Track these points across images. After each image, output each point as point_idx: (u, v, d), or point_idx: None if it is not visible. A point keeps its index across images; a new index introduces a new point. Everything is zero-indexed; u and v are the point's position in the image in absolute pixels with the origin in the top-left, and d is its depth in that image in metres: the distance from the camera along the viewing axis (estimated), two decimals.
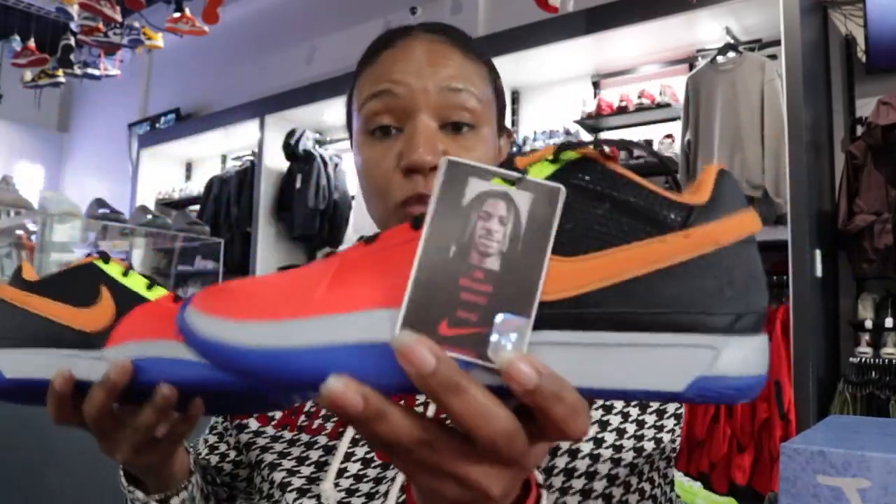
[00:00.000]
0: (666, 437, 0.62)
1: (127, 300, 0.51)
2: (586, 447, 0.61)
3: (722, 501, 2.07)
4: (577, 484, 0.60)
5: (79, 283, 0.53)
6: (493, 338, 0.28)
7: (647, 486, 0.62)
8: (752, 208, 0.31)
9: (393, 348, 0.28)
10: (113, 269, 0.54)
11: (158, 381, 0.42)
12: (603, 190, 0.30)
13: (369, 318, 0.30)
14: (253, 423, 0.67)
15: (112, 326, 0.48)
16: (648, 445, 0.61)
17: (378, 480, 0.60)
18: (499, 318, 0.29)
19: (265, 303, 0.32)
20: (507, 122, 0.75)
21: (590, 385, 0.29)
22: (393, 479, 0.60)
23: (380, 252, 0.32)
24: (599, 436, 0.61)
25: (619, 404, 0.63)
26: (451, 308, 0.29)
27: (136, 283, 0.54)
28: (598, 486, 0.60)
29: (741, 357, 0.29)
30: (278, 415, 0.67)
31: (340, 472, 0.61)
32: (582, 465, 0.60)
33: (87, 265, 0.54)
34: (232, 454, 0.74)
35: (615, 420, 0.62)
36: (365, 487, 0.60)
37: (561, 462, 0.60)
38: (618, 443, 0.61)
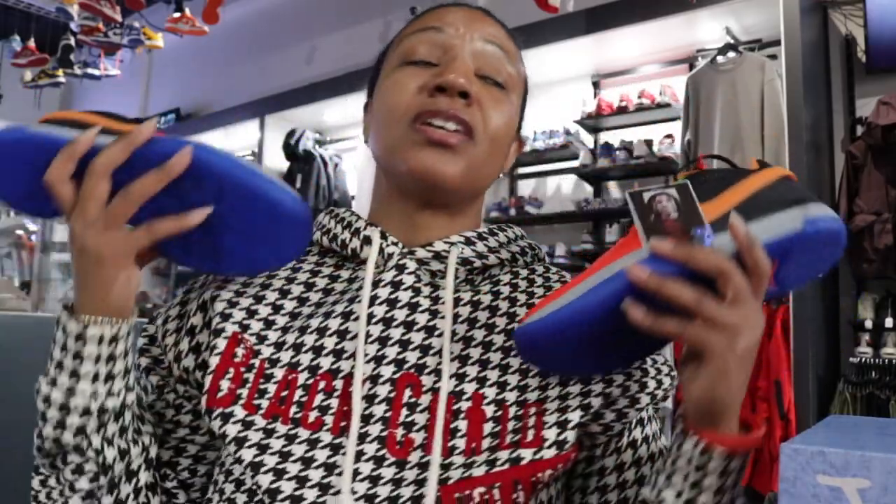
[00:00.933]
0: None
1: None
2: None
3: None
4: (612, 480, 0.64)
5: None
6: (696, 235, 0.52)
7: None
8: (776, 165, 0.60)
9: (654, 249, 0.51)
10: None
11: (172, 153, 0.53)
12: (705, 178, 0.57)
13: (631, 255, 0.53)
14: (239, 411, 0.58)
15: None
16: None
17: (397, 482, 0.56)
18: (694, 230, 0.52)
19: (576, 281, 0.56)
20: None
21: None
22: (417, 482, 0.55)
23: (620, 244, 0.57)
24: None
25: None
26: (664, 234, 0.52)
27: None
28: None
29: (820, 210, 0.55)
30: (265, 404, 0.58)
31: (354, 475, 0.56)
32: (627, 456, 0.64)
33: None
34: (191, 449, 0.66)
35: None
36: (384, 491, 0.55)
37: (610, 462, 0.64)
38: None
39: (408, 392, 0.59)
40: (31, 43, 5.13)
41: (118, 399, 0.58)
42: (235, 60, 5.49)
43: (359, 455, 0.56)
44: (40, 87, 5.32)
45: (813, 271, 0.59)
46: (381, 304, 0.62)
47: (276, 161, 4.55)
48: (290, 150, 4.40)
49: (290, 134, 4.41)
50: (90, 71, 5.19)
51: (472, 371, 0.60)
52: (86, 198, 0.53)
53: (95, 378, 0.56)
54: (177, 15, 4.38)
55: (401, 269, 0.64)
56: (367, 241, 0.66)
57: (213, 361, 0.61)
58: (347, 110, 4.27)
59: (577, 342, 0.54)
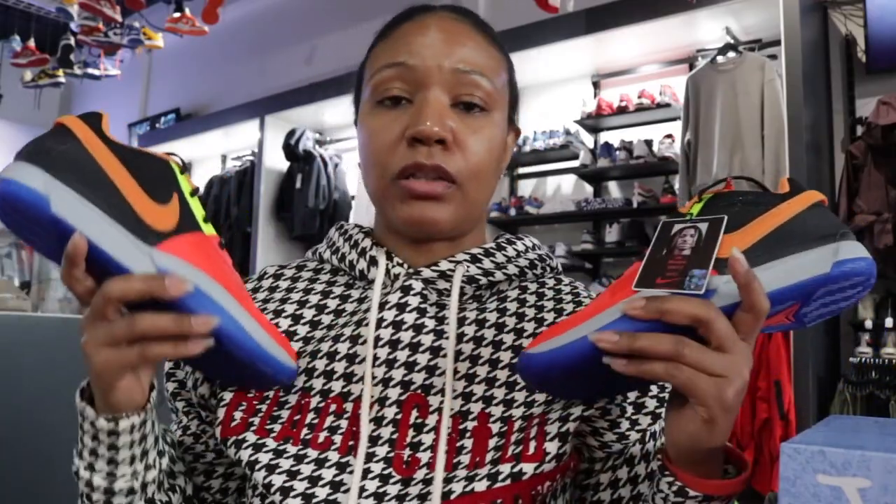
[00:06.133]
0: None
1: (187, 219, 0.54)
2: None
3: None
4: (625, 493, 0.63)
5: (155, 175, 0.54)
6: (687, 280, 0.48)
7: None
8: (808, 190, 0.54)
9: (625, 313, 0.48)
10: (184, 183, 0.56)
11: (195, 311, 0.50)
12: (733, 200, 0.53)
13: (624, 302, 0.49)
14: (250, 436, 0.60)
15: (170, 234, 0.52)
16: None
17: (401, 498, 0.56)
18: (691, 272, 0.48)
19: (576, 319, 0.52)
20: None
21: (775, 287, 0.48)
22: (420, 497, 0.56)
23: (628, 275, 0.53)
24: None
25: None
26: (663, 272, 0.49)
27: (196, 208, 0.56)
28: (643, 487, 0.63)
29: (851, 249, 0.49)
30: (277, 427, 0.61)
31: (359, 492, 0.57)
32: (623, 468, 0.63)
33: (166, 162, 0.56)
34: (208, 455, 0.69)
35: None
36: None
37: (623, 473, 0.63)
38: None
39: (414, 413, 0.59)
40: (31, 43, 5.13)
41: (156, 470, 0.59)
42: (235, 60, 5.49)
43: (365, 473, 0.57)
44: (40, 87, 5.32)
45: (836, 308, 0.54)
46: (386, 326, 0.62)
47: (276, 161, 4.55)
48: (290, 150, 4.40)
49: (290, 134, 4.41)
50: (90, 71, 5.19)
51: (478, 390, 0.60)
52: (93, 312, 0.50)
53: (132, 460, 0.56)
54: (177, 15, 4.38)
55: (406, 290, 0.64)
56: (374, 261, 0.66)
57: (227, 396, 0.63)
58: (347, 110, 4.23)
59: (579, 376, 0.53)
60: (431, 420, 0.59)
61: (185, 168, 0.57)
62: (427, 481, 0.57)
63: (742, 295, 0.46)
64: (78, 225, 0.48)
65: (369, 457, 0.58)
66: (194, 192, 0.57)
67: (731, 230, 0.50)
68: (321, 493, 0.57)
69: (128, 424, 0.54)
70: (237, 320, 0.53)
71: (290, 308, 0.68)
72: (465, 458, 0.58)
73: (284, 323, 0.66)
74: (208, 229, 0.56)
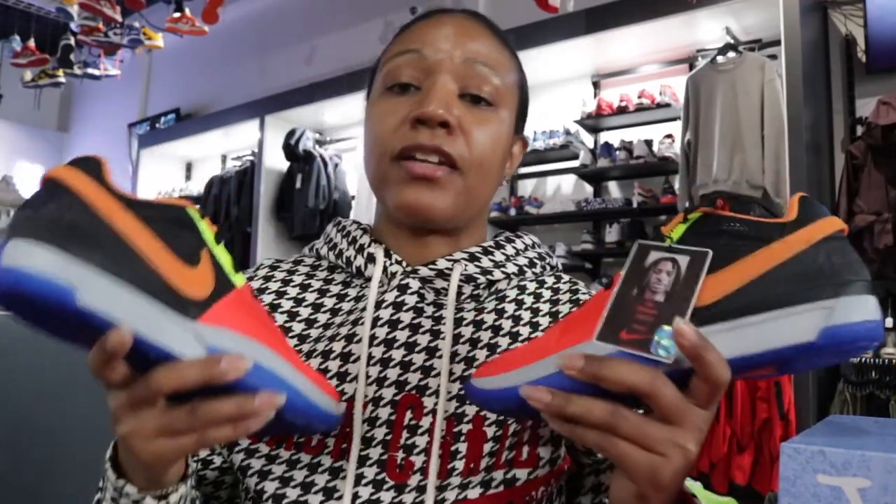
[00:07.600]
0: None
1: (221, 279, 0.46)
2: None
3: (722, 501, 2.07)
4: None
5: (178, 231, 0.45)
6: (655, 341, 0.41)
7: None
8: (832, 216, 0.43)
9: (563, 369, 0.42)
10: (206, 232, 0.47)
11: (257, 388, 0.42)
12: (720, 228, 0.44)
13: (580, 347, 0.44)
14: (244, 441, 0.59)
15: (209, 301, 0.44)
16: None
17: None
18: (660, 328, 0.42)
19: (521, 357, 0.47)
20: None
21: (743, 353, 0.41)
22: None
23: (586, 308, 0.47)
24: None
25: None
26: (629, 323, 0.43)
27: (224, 258, 0.48)
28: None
29: (851, 308, 0.40)
30: None
31: (353, 499, 0.56)
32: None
33: (183, 211, 0.46)
34: (217, 460, 0.67)
35: None
36: None
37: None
38: None
39: (409, 414, 0.59)
40: (31, 43, 5.13)
41: None
42: (235, 60, 5.49)
43: (358, 479, 0.56)
44: (40, 87, 5.32)
45: (829, 363, 0.45)
46: (382, 325, 0.62)
47: (276, 161, 4.55)
48: (290, 150, 4.39)
49: (290, 134, 4.41)
50: (90, 71, 5.19)
51: None
52: (135, 400, 0.43)
53: None
54: (177, 15, 4.38)
55: (403, 289, 0.63)
56: (372, 258, 0.65)
57: None
58: (347, 110, 4.27)
59: (518, 412, 0.50)
60: (426, 422, 0.58)
61: (204, 213, 0.49)
62: (421, 489, 0.56)
63: (694, 367, 0.40)
64: (114, 315, 0.39)
65: (362, 460, 0.57)
66: (217, 237, 0.48)
67: (713, 269, 0.43)
68: (314, 500, 0.56)
69: (177, 498, 0.50)
70: (299, 390, 0.45)
71: (286, 304, 0.67)
72: (459, 464, 0.57)
73: (280, 318, 0.65)
74: (239, 280, 0.48)
